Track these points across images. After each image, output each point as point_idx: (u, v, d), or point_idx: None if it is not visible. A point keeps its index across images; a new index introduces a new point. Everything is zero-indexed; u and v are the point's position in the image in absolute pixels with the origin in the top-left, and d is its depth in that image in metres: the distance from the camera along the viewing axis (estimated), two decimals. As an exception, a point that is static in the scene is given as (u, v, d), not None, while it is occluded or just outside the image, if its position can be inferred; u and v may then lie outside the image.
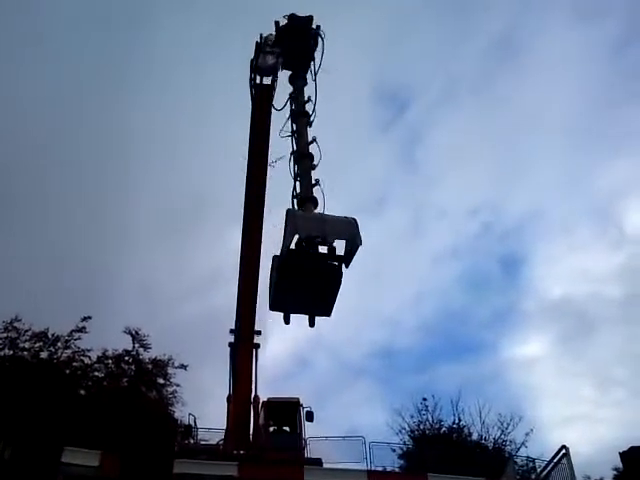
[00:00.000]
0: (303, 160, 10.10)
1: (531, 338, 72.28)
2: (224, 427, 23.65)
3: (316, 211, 9.28)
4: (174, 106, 64.91)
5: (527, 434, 31.90)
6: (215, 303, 59.01)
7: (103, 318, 30.62)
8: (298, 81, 11.72)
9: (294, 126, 10.98)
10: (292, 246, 8.26)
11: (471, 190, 79.14)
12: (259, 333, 22.82)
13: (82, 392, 24.94)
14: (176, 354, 28.82)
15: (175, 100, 65.88)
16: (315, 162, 10.12)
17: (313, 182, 9.75)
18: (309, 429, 23.25)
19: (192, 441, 25.08)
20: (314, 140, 10.38)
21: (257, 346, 23.25)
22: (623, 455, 19.85)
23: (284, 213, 8.68)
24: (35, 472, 5.66)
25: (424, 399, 33.85)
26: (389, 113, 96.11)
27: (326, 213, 8.92)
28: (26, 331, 25.89)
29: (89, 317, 26.93)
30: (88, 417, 19.21)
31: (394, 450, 28.99)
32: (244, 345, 22.92)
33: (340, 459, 22.25)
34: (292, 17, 12.18)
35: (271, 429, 23.56)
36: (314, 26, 11.88)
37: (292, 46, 12.10)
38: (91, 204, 57.13)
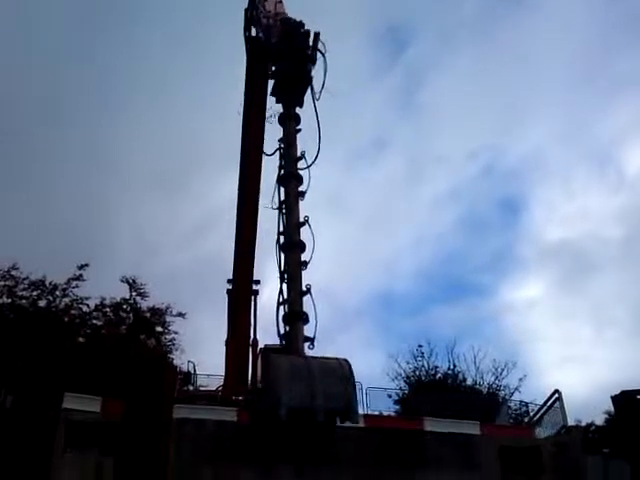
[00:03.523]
0: (291, 250, 8.07)
1: (529, 280, 73.19)
2: (223, 373, 23.95)
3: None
4: (168, 56, 63.98)
5: (521, 379, 32.52)
6: (211, 249, 59.22)
7: (100, 267, 30.58)
8: (290, 123, 9.28)
9: (282, 193, 8.72)
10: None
11: (471, 134, 78.76)
12: (257, 282, 22.86)
13: (81, 340, 25.15)
14: (174, 302, 29.01)
15: (170, 50, 64.78)
16: (305, 255, 8.04)
17: (304, 288, 7.85)
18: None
19: (191, 388, 25.44)
20: (306, 221, 8.24)
21: (255, 293, 23.28)
22: (615, 399, 20.07)
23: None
24: (37, 418, 5.72)
25: (420, 346, 34.31)
26: (388, 55, 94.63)
27: (313, 357, 7.04)
28: (24, 279, 25.92)
29: (86, 265, 26.96)
30: (88, 364, 19.40)
31: (390, 396, 29.53)
32: (242, 293, 22.97)
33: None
34: (286, 33, 9.74)
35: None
36: (312, 37, 9.61)
37: (283, 71, 9.71)
38: (86, 154, 56.71)
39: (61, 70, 59.14)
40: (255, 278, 22.54)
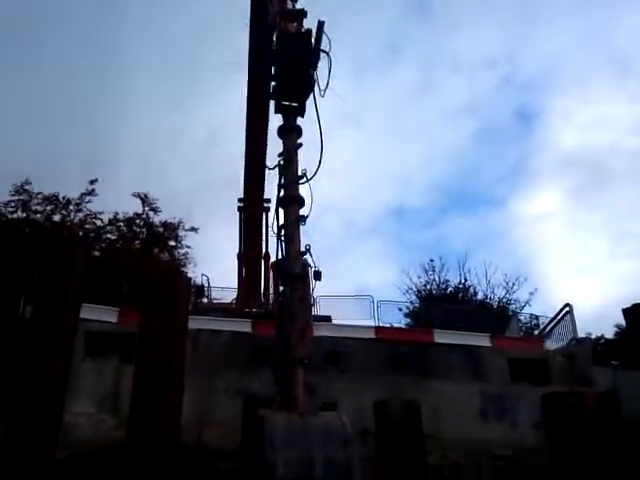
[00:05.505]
0: (292, 283, 7.57)
1: (544, 193, 72.34)
2: (236, 286, 24.31)
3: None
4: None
5: (531, 293, 32.83)
6: (220, 162, 58.87)
7: (111, 183, 30.71)
8: (291, 136, 8.27)
9: (281, 216, 7.95)
10: None
11: (488, 40, 76.04)
12: (268, 201, 22.78)
13: (96, 253, 25.49)
14: (186, 217, 29.21)
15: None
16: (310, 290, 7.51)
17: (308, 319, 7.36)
18: (318, 288, 23.72)
19: (205, 300, 25.88)
20: (308, 250, 7.63)
21: (267, 210, 23.28)
22: (626, 312, 20.18)
23: None
24: (56, 328, 5.82)
25: (431, 260, 34.58)
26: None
27: (311, 415, 6.36)
28: (37, 194, 26.06)
29: (96, 180, 27.07)
30: (104, 277, 19.73)
31: (401, 309, 29.93)
32: (253, 211, 23.00)
33: (349, 317, 22.74)
34: (283, 38, 8.40)
35: (280, 288, 24.07)
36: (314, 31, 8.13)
37: (280, 81, 8.44)
38: (94, 69, 55.66)
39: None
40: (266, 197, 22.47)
